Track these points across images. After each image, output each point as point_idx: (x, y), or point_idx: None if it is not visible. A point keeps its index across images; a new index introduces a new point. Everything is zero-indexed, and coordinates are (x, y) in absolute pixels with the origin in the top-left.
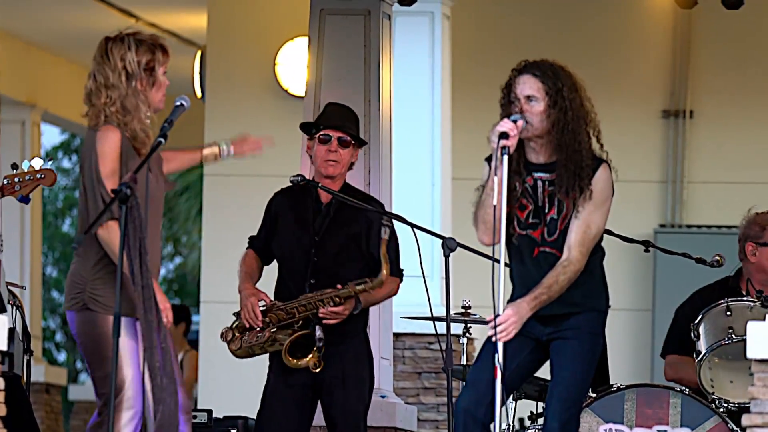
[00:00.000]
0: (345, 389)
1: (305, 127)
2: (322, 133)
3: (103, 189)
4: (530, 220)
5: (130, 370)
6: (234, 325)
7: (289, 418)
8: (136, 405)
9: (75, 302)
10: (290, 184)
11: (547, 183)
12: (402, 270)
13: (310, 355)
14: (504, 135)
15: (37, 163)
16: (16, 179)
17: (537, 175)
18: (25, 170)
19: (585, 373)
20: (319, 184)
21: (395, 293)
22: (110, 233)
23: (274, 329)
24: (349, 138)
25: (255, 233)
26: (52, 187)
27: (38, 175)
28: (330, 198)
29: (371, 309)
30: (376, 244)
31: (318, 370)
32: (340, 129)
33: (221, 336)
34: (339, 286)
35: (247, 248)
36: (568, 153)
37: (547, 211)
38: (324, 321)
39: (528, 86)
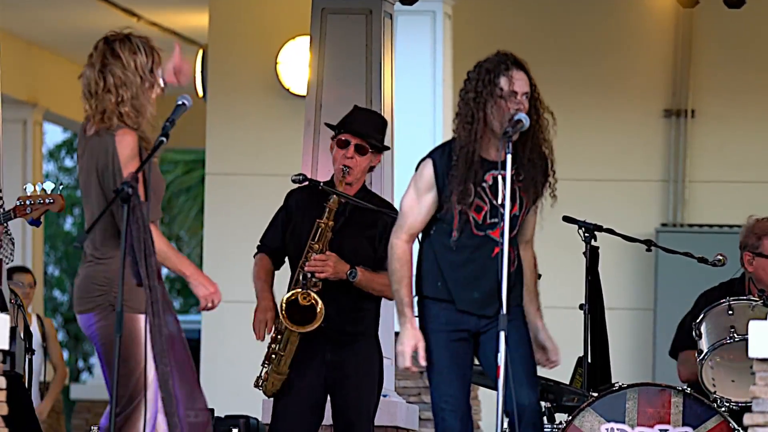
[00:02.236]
0: (358, 390)
1: (332, 127)
2: (341, 136)
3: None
4: (488, 220)
5: (153, 371)
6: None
7: (304, 418)
8: (154, 407)
9: (96, 304)
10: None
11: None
12: None
13: (313, 306)
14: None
15: (49, 187)
16: (28, 202)
17: (496, 172)
18: (38, 193)
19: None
20: (321, 184)
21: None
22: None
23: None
24: (366, 146)
25: (261, 235)
26: (60, 212)
27: (47, 200)
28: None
29: None
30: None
31: (320, 320)
32: (358, 136)
33: (255, 384)
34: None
35: (256, 254)
36: (537, 150)
37: (510, 208)
38: (311, 272)
39: (524, 83)
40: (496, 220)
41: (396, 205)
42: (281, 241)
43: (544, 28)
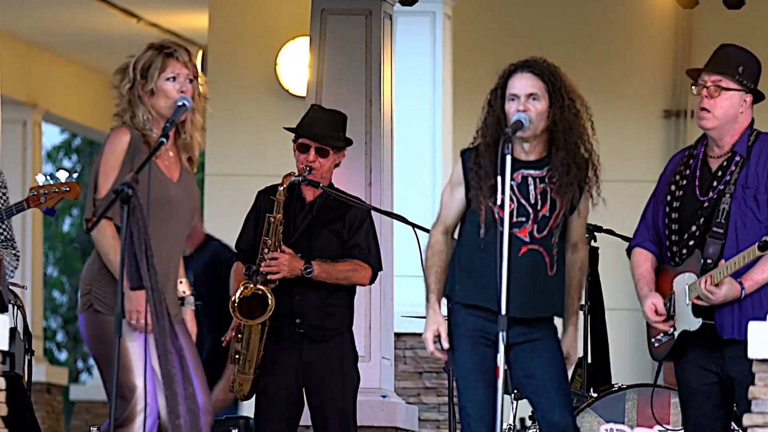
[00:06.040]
0: (334, 390)
1: (291, 130)
2: (300, 142)
3: (95, 191)
4: (515, 219)
5: (141, 377)
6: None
7: (283, 422)
8: (152, 413)
9: (82, 304)
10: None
11: (538, 180)
12: (379, 262)
13: (265, 299)
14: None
15: (62, 176)
16: (42, 191)
17: (526, 172)
18: (51, 183)
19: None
20: (320, 184)
21: (364, 281)
22: (99, 233)
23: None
24: (327, 148)
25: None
26: (77, 199)
27: (63, 188)
28: (315, 197)
29: (372, 308)
30: (353, 237)
31: (271, 309)
32: (317, 140)
33: (229, 389)
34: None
35: (235, 261)
36: (567, 151)
37: (539, 208)
38: (268, 275)
39: (530, 84)
40: (524, 219)
41: (393, 206)
42: (254, 240)
43: (544, 29)
